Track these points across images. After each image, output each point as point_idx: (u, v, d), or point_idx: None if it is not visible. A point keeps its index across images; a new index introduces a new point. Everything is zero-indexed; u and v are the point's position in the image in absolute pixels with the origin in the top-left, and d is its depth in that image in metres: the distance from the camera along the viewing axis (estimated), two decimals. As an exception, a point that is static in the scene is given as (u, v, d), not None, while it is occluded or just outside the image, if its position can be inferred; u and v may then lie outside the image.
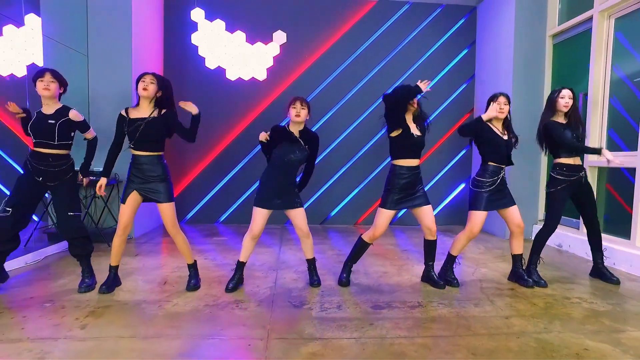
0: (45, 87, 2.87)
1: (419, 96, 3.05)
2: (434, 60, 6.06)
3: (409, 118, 3.09)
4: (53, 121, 2.89)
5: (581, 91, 4.45)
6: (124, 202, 2.92)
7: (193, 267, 3.18)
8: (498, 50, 5.39)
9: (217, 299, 2.91)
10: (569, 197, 3.36)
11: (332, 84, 6.01)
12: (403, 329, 2.47)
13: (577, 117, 3.35)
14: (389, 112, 3.01)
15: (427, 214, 3.13)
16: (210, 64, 5.86)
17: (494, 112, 3.12)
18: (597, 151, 3.18)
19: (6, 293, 2.96)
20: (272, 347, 2.22)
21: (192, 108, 2.95)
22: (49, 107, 2.96)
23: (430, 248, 3.27)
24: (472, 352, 2.19)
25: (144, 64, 5.19)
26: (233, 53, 5.86)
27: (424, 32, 6.04)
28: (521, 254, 3.34)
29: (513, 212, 3.22)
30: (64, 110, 2.97)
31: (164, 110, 2.95)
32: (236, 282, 3.13)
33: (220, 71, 5.87)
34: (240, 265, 3.16)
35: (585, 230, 3.58)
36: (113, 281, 3.06)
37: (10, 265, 3.48)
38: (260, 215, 3.02)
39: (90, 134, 3.13)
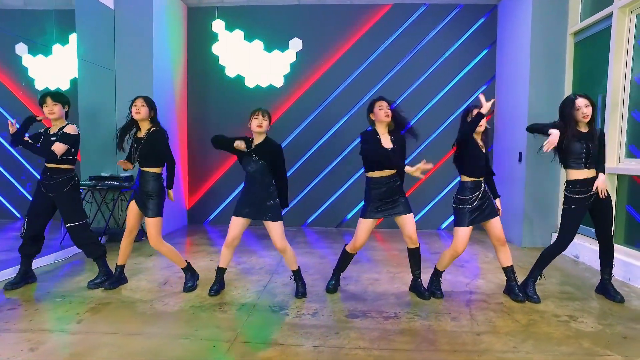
0: (50, 111, 3.23)
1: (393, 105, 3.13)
2: (453, 62, 5.90)
3: (382, 131, 3.12)
4: (54, 138, 3.24)
5: (601, 93, 4.17)
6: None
7: (188, 270, 3.43)
8: (518, 50, 5.15)
9: (204, 301, 3.13)
10: (585, 213, 3.17)
11: (348, 88, 6.06)
12: (366, 340, 2.53)
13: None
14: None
15: (407, 223, 3.14)
16: (230, 72, 6.16)
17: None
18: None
19: (32, 287, 3.40)
20: (233, 349, 2.39)
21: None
22: (55, 127, 3.30)
23: (413, 256, 3.27)
24: (423, 367, 2.21)
25: (168, 75, 5.58)
26: (251, 61, 6.11)
27: (441, 33, 5.90)
28: (511, 266, 3.23)
29: (494, 225, 3.13)
30: (64, 127, 3.28)
31: (153, 129, 3.21)
32: (218, 287, 3.29)
33: (240, 79, 6.14)
34: (220, 271, 3.31)
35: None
36: (118, 279, 3.39)
37: (42, 262, 3.97)
38: (233, 224, 3.16)
39: (59, 147, 3.18)
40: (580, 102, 3.03)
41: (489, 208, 3.13)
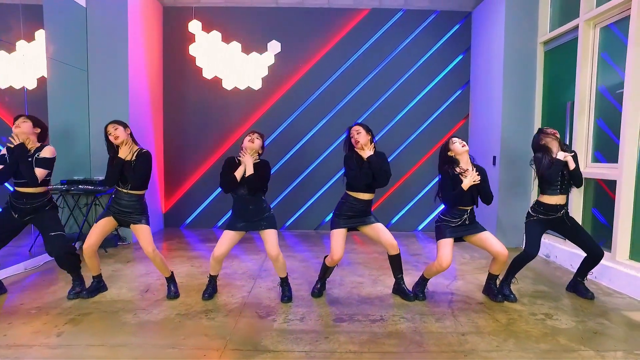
0: (17, 126, 2.99)
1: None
2: (429, 66, 6.06)
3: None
4: (30, 159, 3.00)
5: (570, 100, 4.40)
6: None
7: (171, 279, 3.36)
8: (491, 56, 5.35)
9: (190, 308, 3.09)
10: (546, 228, 3.36)
11: (326, 91, 6.10)
12: (356, 343, 2.57)
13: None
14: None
15: (382, 231, 3.23)
16: (208, 74, 6.06)
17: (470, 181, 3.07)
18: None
19: (2, 298, 3.22)
20: (225, 357, 2.37)
21: None
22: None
23: (394, 262, 3.34)
24: (414, 369, 2.27)
25: (143, 76, 5.43)
26: (229, 63, 6.04)
27: (418, 38, 6.05)
28: (497, 275, 3.36)
29: (489, 239, 3.16)
30: (40, 148, 3.07)
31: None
32: (211, 291, 3.31)
33: (217, 81, 6.06)
34: (212, 278, 3.33)
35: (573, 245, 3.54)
36: (96, 288, 3.30)
37: (12, 271, 3.79)
38: (224, 237, 3.16)
39: (40, 173, 3.03)
40: (549, 130, 3.29)
41: (474, 223, 3.20)
